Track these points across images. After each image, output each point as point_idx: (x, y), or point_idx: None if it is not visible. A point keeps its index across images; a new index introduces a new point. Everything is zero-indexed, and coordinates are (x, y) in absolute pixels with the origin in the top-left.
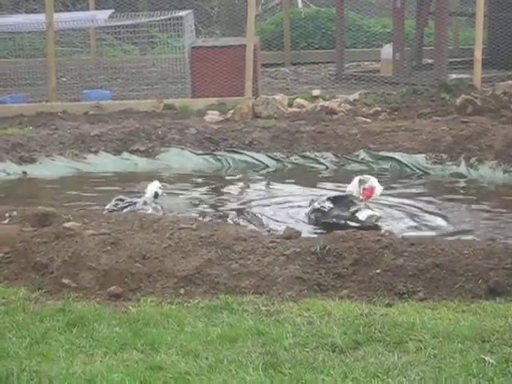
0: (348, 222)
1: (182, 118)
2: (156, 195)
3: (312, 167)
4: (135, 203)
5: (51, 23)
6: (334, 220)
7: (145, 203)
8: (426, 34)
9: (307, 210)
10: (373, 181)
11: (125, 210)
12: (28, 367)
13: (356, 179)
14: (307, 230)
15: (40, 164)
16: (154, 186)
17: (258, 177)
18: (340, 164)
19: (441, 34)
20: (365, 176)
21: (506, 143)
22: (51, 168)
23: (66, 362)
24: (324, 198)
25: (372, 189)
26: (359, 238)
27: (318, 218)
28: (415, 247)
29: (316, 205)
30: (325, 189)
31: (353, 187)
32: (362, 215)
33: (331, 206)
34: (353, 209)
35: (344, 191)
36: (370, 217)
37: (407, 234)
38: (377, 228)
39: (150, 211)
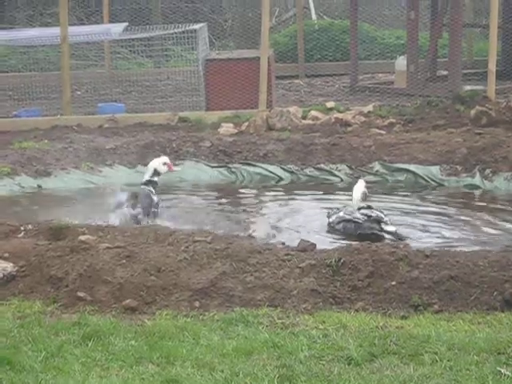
0: (384, 233)
1: (196, 130)
2: (157, 173)
3: (327, 179)
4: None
5: (66, 37)
6: (374, 231)
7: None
8: (440, 46)
9: (330, 219)
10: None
11: None
12: (44, 381)
13: (359, 194)
14: (325, 242)
15: (55, 177)
16: (154, 163)
17: (273, 189)
18: (355, 176)
19: (455, 45)
20: (358, 185)
21: None
22: (66, 181)
23: (81, 376)
24: (349, 209)
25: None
26: (374, 251)
27: (348, 228)
28: (430, 259)
29: (344, 215)
30: (342, 200)
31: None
32: (390, 227)
33: (365, 217)
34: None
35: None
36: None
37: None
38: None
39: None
